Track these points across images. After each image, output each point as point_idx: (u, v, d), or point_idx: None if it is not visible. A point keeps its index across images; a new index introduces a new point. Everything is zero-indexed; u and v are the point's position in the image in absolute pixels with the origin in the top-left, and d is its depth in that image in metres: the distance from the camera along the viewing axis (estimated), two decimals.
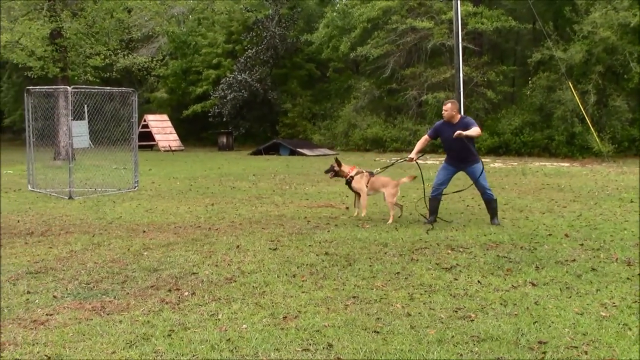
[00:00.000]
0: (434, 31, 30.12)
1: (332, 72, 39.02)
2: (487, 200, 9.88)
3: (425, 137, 10.27)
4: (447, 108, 9.80)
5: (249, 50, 37.08)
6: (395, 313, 5.23)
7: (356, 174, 10.48)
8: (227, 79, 36.55)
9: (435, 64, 31.85)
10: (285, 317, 5.11)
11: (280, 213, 10.88)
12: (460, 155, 9.72)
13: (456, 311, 5.26)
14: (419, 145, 10.26)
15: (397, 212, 10.32)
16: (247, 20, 39.05)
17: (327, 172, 10.99)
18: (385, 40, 32.02)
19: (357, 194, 10.54)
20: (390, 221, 9.89)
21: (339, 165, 10.62)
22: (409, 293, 5.79)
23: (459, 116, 9.87)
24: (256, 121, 37.95)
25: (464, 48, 27.36)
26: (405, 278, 6.33)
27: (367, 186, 10.39)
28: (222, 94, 36.27)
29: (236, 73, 36.45)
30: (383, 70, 32.48)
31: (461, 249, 7.74)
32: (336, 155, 21.16)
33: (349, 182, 10.53)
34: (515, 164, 22.73)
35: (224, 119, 36.76)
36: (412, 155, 10.08)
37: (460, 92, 24.30)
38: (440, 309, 5.33)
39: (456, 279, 6.28)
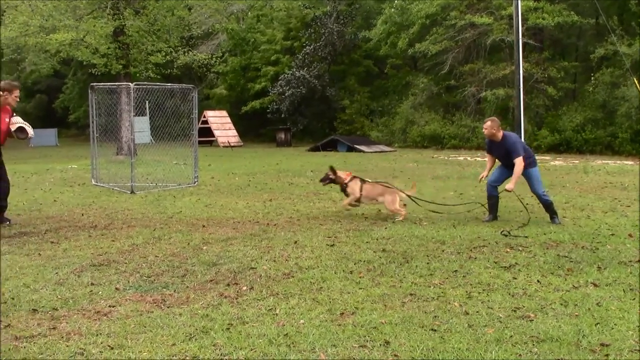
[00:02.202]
0: (493, 27, 29.74)
1: (390, 68, 38.91)
2: (544, 204, 9.72)
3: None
4: (487, 127, 9.70)
5: (307, 47, 37.26)
6: (452, 311, 5.19)
7: (351, 179, 10.33)
8: (286, 75, 36.79)
9: (495, 60, 31.47)
10: (342, 314, 5.12)
11: (338, 209, 10.90)
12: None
13: (515, 310, 5.20)
14: (487, 162, 10.18)
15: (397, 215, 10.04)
16: (305, 17, 39.23)
17: (322, 180, 10.87)
18: (443, 36, 31.79)
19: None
20: (401, 218, 9.80)
21: (334, 173, 10.47)
22: (466, 291, 5.74)
23: (501, 134, 9.67)
24: (314, 117, 38.10)
25: (524, 44, 26.92)
26: (463, 276, 6.27)
27: (361, 192, 10.21)
28: (281, 90, 36.53)
29: (294, 70, 36.65)
30: (441, 66, 32.25)
31: (520, 248, 7.63)
32: (394, 151, 21.05)
33: (344, 189, 10.38)
34: (577, 161, 22.27)
35: (282, 115, 37.02)
36: (484, 173, 9.97)
37: (520, 89, 23.88)
38: (499, 308, 5.27)
39: (515, 278, 6.19)
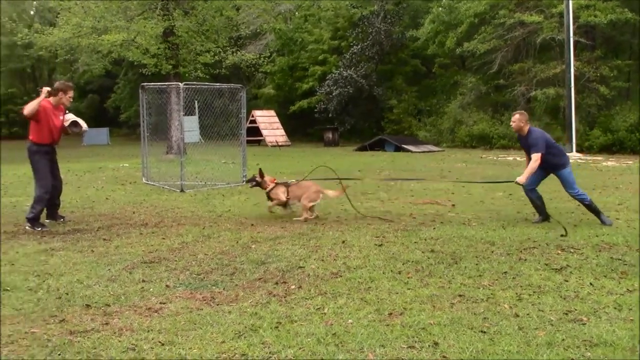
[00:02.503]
0: (543, 25, 29.29)
1: (437, 68, 38.63)
2: (584, 205, 9.54)
3: None
4: (515, 119, 9.57)
5: (354, 47, 37.22)
6: (502, 313, 5.13)
7: (274, 187, 10.21)
8: (333, 75, 36.82)
9: (545, 59, 30.98)
10: (390, 314, 5.11)
11: (386, 209, 10.87)
12: (545, 164, 9.40)
13: (567, 314, 5.11)
14: (525, 160, 9.99)
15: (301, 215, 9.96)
16: (352, 16, 39.20)
17: (248, 181, 10.84)
18: (492, 35, 31.44)
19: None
20: (301, 218, 9.76)
21: (262, 176, 10.33)
22: (516, 293, 5.67)
23: (527, 127, 9.52)
24: (361, 117, 38.06)
25: (575, 42, 26.50)
26: (513, 278, 6.19)
27: (287, 196, 10.07)
28: (328, 90, 36.56)
29: (342, 69, 36.65)
30: (490, 65, 31.89)
31: (572, 250, 7.49)
32: (442, 151, 20.87)
33: (267, 194, 10.30)
34: (631, 162, 21.76)
35: (330, 115, 37.06)
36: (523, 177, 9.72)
37: (571, 88, 23.54)
38: (550, 310, 5.19)
39: (567, 281, 6.09)
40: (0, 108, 51.72)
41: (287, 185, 10.23)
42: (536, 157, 9.20)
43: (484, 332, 4.67)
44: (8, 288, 5.92)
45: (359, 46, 37.08)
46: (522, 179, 9.25)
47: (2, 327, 4.84)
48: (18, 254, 7.46)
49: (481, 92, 33.46)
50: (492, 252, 7.40)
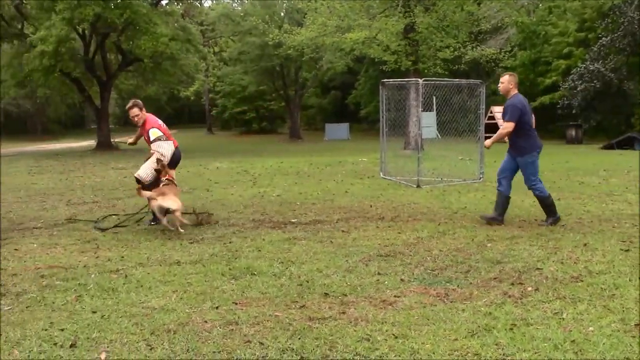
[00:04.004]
0: None
1: None
2: (538, 197, 8.98)
3: None
4: (504, 80, 8.87)
5: (603, 38, 34.97)
6: None
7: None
8: (578, 69, 34.94)
9: None
10: (637, 324, 4.74)
11: (633, 212, 10.10)
12: (510, 140, 8.75)
13: None
14: None
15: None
16: (602, 6, 36.87)
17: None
18: None
19: None
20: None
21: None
22: None
23: (514, 92, 8.79)
24: (609, 113, 35.70)
25: None
26: None
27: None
28: (572, 84, 34.77)
29: (588, 63, 34.64)
30: None
31: None
32: None
33: None
34: None
35: (574, 111, 35.24)
36: None
37: None
38: None
39: None
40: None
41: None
42: (505, 125, 8.70)
43: None
44: (255, 272, 6.36)
45: (609, 37, 34.76)
46: (488, 142, 8.94)
47: (249, 309, 5.22)
48: (264, 241, 7.98)
49: None
50: None
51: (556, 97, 36.79)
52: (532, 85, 39.88)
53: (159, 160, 9.17)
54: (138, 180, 9.22)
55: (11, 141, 48.54)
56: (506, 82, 8.93)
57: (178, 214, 8.68)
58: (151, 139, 9.27)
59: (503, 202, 9.14)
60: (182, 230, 8.69)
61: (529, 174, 8.95)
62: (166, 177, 9.20)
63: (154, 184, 9.14)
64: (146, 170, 9.16)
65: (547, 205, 9.05)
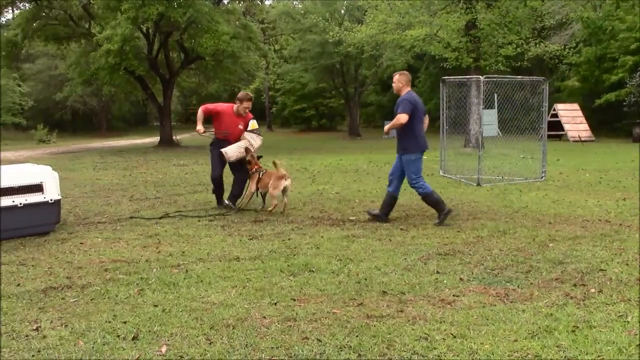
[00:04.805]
0: None
1: None
2: (420, 194, 9.16)
3: None
4: (395, 80, 9.01)
5: None
6: None
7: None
8: None
9: None
10: None
11: None
12: (397, 140, 8.98)
13: None
14: None
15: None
16: None
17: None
18: None
19: None
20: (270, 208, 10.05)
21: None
22: None
23: (406, 90, 8.91)
24: None
25: None
26: None
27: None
28: None
29: None
30: None
31: None
32: None
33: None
34: None
35: None
36: None
37: None
38: None
39: None
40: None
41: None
42: (399, 116, 8.76)
43: None
44: (313, 269, 6.39)
45: None
46: (386, 127, 9.10)
47: (307, 305, 5.25)
48: (323, 239, 8.01)
49: None
50: None
51: (622, 94, 35.80)
52: (597, 82, 38.92)
53: (247, 150, 10.40)
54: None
55: (78, 138, 49.92)
56: (397, 81, 9.15)
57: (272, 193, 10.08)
58: (250, 128, 10.57)
59: (389, 202, 9.35)
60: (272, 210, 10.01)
61: (410, 173, 9.10)
62: (255, 167, 10.44)
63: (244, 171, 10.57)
64: (233, 150, 10.34)
65: (434, 201, 9.15)
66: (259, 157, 10.69)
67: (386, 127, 9.59)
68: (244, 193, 10.59)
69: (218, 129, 10.70)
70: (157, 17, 28.36)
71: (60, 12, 32.83)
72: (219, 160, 10.56)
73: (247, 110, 10.60)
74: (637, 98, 34.11)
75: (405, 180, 9.29)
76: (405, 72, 9.48)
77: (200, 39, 30.44)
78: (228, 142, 10.48)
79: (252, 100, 10.83)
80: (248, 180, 10.55)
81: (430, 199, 9.15)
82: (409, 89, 9.13)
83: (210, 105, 10.78)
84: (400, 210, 10.23)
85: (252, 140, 10.51)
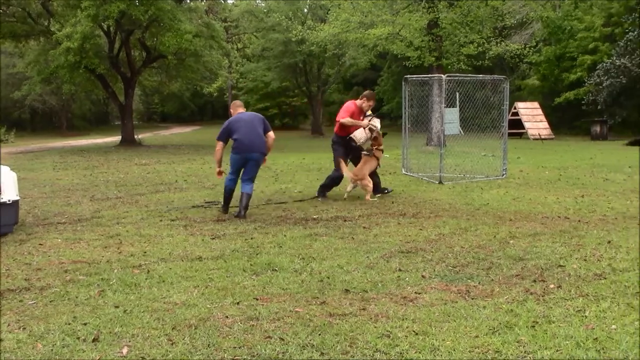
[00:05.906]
0: None
1: None
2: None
3: None
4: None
5: (630, 33, 34.51)
6: None
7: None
8: (604, 64, 34.56)
9: None
10: None
11: None
12: None
13: None
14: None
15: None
16: (629, 0, 36.43)
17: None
18: None
19: None
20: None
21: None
22: None
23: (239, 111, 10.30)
24: (635, 109, 35.28)
25: None
26: None
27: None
28: (598, 80, 34.40)
29: (614, 58, 34.24)
30: None
31: None
32: None
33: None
34: None
35: (599, 107, 34.87)
36: None
37: None
38: None
39: None
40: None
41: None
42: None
43: None
44: (276, 268, 6.38)
45: (635, 32, 34.30)
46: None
47: (270, 304, 5.23)
48: (285, 237, 8.00)
49: None
50: None
51: (581, 92, 36.43)
52: (557, 81, 39.55)
53: (372, 129, 11.27)
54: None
55: (37, 137, 49.09)
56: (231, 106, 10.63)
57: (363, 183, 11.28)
58: (367, 118, 11.55)
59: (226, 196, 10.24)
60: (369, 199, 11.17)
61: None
62: (376, 147, 11.46)
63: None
64: (359, 132, 11.24)
65: (225, 199, 10.16)
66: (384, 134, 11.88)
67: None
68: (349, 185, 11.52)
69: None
70: (118, 15, 27.98)
71: (18, 10, 32.22)
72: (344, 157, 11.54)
73: (370, 108, 11.67)
74: (596, 97, 34.70)
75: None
76: (236, 101, 10.86)
77: (162, 38, 30.15)
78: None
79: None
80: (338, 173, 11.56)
81: (225, 198, 10.24)
82: (237, 113, 10.30)
83: (347, 114, 11.39)
84: (362, 208, 10.27)
85: (372, 121, 11.43)
